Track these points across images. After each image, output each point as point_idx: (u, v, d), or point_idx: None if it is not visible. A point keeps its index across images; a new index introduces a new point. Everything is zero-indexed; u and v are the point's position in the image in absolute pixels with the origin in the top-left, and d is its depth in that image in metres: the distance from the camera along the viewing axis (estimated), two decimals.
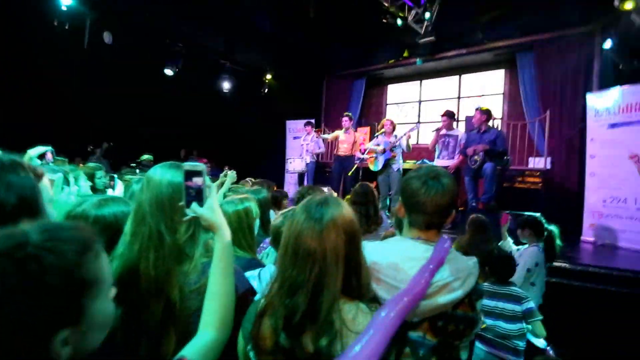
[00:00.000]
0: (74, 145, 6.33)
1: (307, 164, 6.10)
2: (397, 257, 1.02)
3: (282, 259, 0.86)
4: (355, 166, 5.53)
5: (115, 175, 1.94)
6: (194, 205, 0.85)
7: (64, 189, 1.22)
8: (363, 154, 5.46)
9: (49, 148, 1.30)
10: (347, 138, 5.80)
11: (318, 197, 0.90)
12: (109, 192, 1.89)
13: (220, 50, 6.83)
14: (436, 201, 1.01)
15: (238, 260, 1.49)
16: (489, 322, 2.14)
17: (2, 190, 0.71)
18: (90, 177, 2.65)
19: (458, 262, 1.01)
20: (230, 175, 2.21)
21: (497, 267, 2.17)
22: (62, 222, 0.80)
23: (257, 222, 1.62)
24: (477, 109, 4.43)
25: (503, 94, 7.00)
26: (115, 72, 6.21)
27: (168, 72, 6.19)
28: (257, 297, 1.01)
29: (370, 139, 6.44)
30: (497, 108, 6.92)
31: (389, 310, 0.82)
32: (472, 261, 1.04)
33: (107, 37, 5.44)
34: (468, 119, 6.04)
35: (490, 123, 4.56)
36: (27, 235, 0.48)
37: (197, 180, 0.85)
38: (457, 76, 7.52)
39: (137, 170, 4.45)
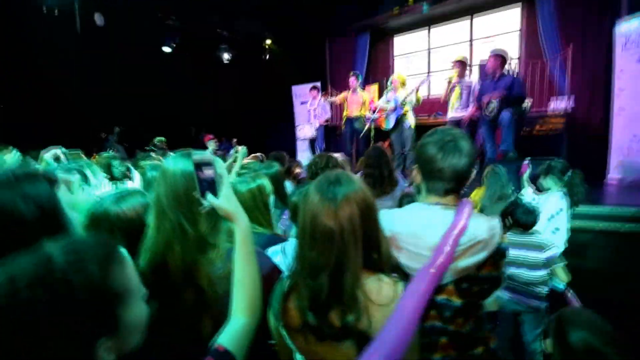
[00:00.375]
0: (85, 134, 6.42)
1: (316, 129, 6.00)
2: (417, 225, 1.01)
3: (301, 242, 0.86)
4: (367, 126, 5.40)
5: (131, 166, 1.95)
6: (209, 196, 0.84)
7: (83, 188, 1.24)
8: (373, 113, 5.31)
9: (59, 149, 1.29)
10: (356, 98, 5.62)
11: (330, 176, 0.88)
12: (128, 183, 1.92)
13: (217, 20, 6.52)
14: (454, 167, 0.97)
15: (258, 237, 1.52)
16: (512, 270, 2.17)
17: (20, 203, 0.72)
18: (107, 167, 2.69)
19: (480, 224, 0.99)
20: (242, 152, 2.19)
21: (519, 217, 2.14)
22: (84, 237, 0.81)
23: (272, 198, 1.63)
24: (490, 55, 4.14)
25: (520, 30, 6.46)
26: (112, 55, 6.09)
27: (166, 49, 6.01)
28: (283, 275, 1.04)
29: (380, 97, 6.22)
30: (514, 47, 6.43)
31: (417, 284, 0.83)
32: (494, 221, 1.02)
33: (98, 18, 5.26)
34: (482, 66, 5.68)
35: (506, 67, 4.27)
36: (52, 258, 0.49)
37: (208, 171, 0.83)
38: (469, 19, 6.95)
39: (152, 154, 4.51)
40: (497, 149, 4.19)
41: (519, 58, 6.32)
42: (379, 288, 0.83)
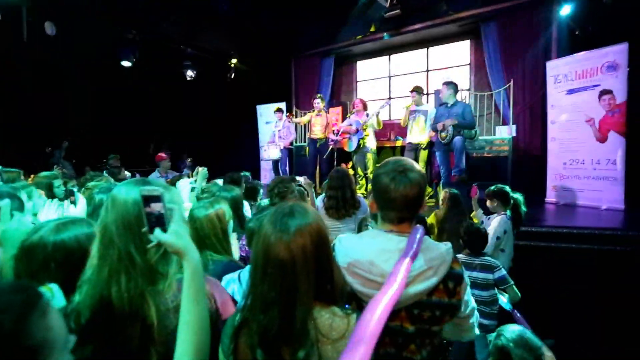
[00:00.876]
0: (28, 148, 5.89)
1: (281, 151, 6.02)
2: (372, 252, 1.04)
3: (253, 275, 0.85)
4: (330, 148, 5.52)
5: (75, 189, 1.80)
6: (157, 231, 0.80)
7: (13, 214, 1.12)
8: (336, 135, 5.46)
9: None
10: (320, 120, 5.75)
11: (284, 207, 0.89)
12: (71, 208, 1.76)
13: (180, 37, 6.43)
14: (406, 196, 1.02)
15: (215, 264, 1.48)
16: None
17: None
18: (48, 186, 2.46)
19: (431, 251, 1.03)
20: (202, 173, 2.14)
21: (471, 241, 2.29)
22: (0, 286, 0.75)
23: (231, 223, 1.60)
24: (443, 83, 4.49)
25: (469, 64, 7.11)
26: (64, 65, 5.72)
27: (125, 63, 5.77)
28: (237, 306, 1.01)
29: (343, 119, 6.42)
30: (464, 79, 7.05)
31: (370, 313, 0.84)
32: (445, 247, 1.07)
33: (49, 28, 4.96)
34: (437, 93, 6.13)
35: (457, 96, 4.65)
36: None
37: (155, 206, 0.81)
38: (425, 49, 7.53)
39: (105, 172, 4.21)
40: (450, 172, 4.47)
41: (468, 89, 6.91)
42: (331, 322, 0.83)
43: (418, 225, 1.10)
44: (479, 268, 2.27)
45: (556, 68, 4.88)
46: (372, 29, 7.23)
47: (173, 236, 0.80)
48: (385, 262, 1.01)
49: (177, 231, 0.81)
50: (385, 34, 7.03)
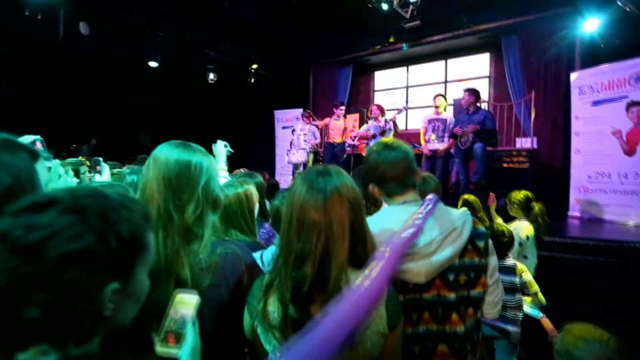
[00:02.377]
0: (54, 143, 6.09)
1: (307, 154, 6.04)
2: (388, 223, 1.03)
3: (287, 232, 0.83)
4: (347, 153, 5.52)
5: (101, 159, 1.85)
6: (166, 345, 0.65)
7: (60, 176, 1.16)
8: (354, 140, 5.46)
9: (38, 137, 1.21)
10: (338, 125, 5.78)
11: (317, 168, 0.88)
12: (97, 177, 1.81)
13: (204, 41, 6.64)
14: (395, 163, 1.06)
15: (231, 244, 1.47)
16: None
17: None
18: (75, 172, 2.54)
19: (448, 214, 1.03)
20: (222, 146, 1.99)
21: (496, 241, 2.21)
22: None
23: (257, 206, 1.60)
24: (465, 90, 4.46)
25: (489, 77, 7.07)
26: (95, 65, 5.96)
27: (152, 63, 5.97)
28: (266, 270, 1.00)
29: (360, 125, 6.43)
30: (483, 91, 6.98)
31: (377, 261, 0.79)
32: (460, 211, 1.07)
33: (83, 27, 5.20)
34: (456, 102, 6.09)
35: (478, 104, 4.61)
36: (108, 193, 0.54)
37: (184, 310, 0.69)
38: (443, 60, 7.54)
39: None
40: (470, 179, 4.40)
41: (487, 101, 6.85)
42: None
43: (430, 195, 1.09)
44: (503, 271, 2.18)
45: (581, 79, 4.80)
46: (392, 40, 7.30)
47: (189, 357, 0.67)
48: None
49: (193, 351, 0.68)
50: (404, 44, 7.09)
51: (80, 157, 4.70)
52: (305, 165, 6.03)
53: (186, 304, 0.70)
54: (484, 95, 6.90)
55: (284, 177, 7.27)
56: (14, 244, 0.43)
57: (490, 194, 3.35)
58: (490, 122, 4.19)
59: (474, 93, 4.36)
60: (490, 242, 1.06)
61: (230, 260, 0.92)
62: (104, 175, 1.82)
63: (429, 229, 0.97)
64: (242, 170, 3.24)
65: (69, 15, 5.00)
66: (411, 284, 0.97)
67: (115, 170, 2.45)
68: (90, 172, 1.92)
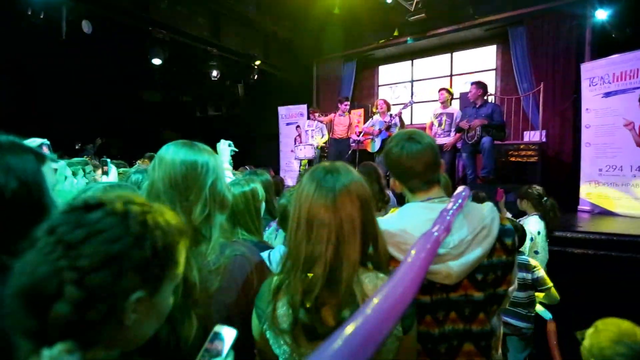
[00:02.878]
0: (59, 143, 6.13)
1: (315, 150, 6.02)
2: (416, 221, 0.98)
3: (295, 233, 0.79)
4: (352, 149, 5.48)
5: (108, 160, 1.84)
6: None
7: (67, 178, 1.14)
8: (359, 136, 5.41)
9: (45, 141, 1.20)
10: (343, 121, 5.73)
11: (324, 166, 0.84)
12: (104, 178, 1.80)
13: (206, 38, 6.60)
14: (419, 158, 1.00)
15: (239, 245, 1.45)
16: None
17: (0, 174, 0.64)
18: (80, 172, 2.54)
19: (477, 211, 0.99)
20: (226, 145, 1.96)
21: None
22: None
23: (263, 205, 1.57)
24: (472, 83, 4.38)
25: (495, 69, 6.94)
26: (98, 63, 5.96)
27: (156, 61, 5.94)
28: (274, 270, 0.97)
29: (365, 121, 6.37)
30: (490, 84, 6.86)
31: (416, 252, 0.76)
32: (487, 207, 1.02)
33: (86, 26, 5.18)
34: (463, 96, 6.00)
35: (485, 97, 4.53)
36: (152, 202, 0.57)
37: (218, 345, 0.68)
38: (449, 53, 7.42)
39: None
40: (477, 174, 4.33)
41: (494, 94, 6.74)
42: (375, 284, 0.78)
43: (460, 188, 1.04)
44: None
45: (591, 70, 4.69)
46: (396, 33, 7.19)
47: None
48: (420, 232, 0.95)
49: None
50: (408, 38, 6.99)
51: (85, 157, 4.72)
52: (312, 161, 6.01)
53: (223, 338, 0.69)
54: (491, 88, 6.79)
55: (289, 174, 7.24)
56: (59, 238, 0.47)
57: (499, 189, 3.29)
58: (498, 115, 4.11)
59: (481, 86, 4.28)
60: (515, 239, 1.03)
61: (239, 262, 0.90)
62: (111, 175, 1.82)
63: (458, 228, 0.93)
64: (246, 168, 3.21)
65: (71, 14, 4.97)
66: (438, 284, 0.94)
67: (121, 170, 2.44)
68: (94, 171, 1.91)
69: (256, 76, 7.46)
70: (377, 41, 7.44)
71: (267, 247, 1.52)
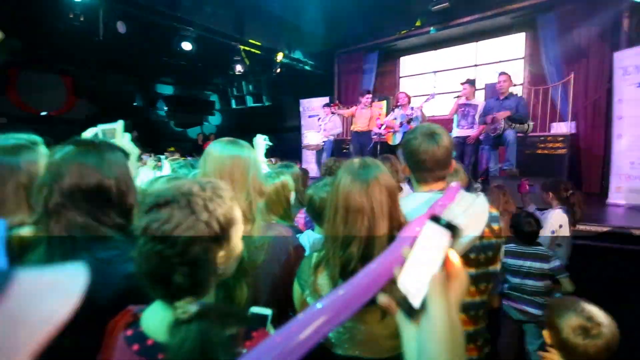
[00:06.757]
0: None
1: (324, 142, 6.12)
2: (414, 208, 1.10)
3: (334, 219, 0.94)
4: (374, 142, 5.53)
5: (162, 157, 2.06)
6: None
7: (138, 166, 1.34)
8: (380, 128, 5.46)
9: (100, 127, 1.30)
10: (364, 113, 5.78)
11: (355, 162, 0.99)
12: (157, 172, 2.02)
13: (230, 33, 6.81)
14: (434, 156, 1.12)
15: (278, 226, 1.62)
16: (516, 280, 2.23)
17: (104, 167, 0.81)
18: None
19: (468, 201, 1.09)
20: (261, 141, 2.11)
21: (522, 228, 2.22)
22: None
23: (294, 194, 1.73)
24: (501, 73, 4.32)
25: (523, 58, 6.73)
26: (132, 60, 6.29)
27: (186, 46, 6.23)
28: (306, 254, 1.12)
29: (387, 113, 6.40)
30: (517, 74, 6.68)
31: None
32: (479, 195, 1.11)
33: (121, 26, 5.50)
34: (488, 87, 5.90)
35: (510, 89, 4.46)
36: (203, 188, 0.69)
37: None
38: (474, 43, 7.25)
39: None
40: (500, 167, 4.30)
41: (522, 84, 6.55)
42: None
43: (453, 183, 1.15)
44: (532, 257, 2.20)
45: (625, 59, 4.49)
46: (418, 23, 7.10)
47: None
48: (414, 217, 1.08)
49: None
50: (431, 28, 6.88)
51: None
52: (322, 151, 6.10)
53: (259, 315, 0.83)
54: (518, 78, 6.60)
55: (310, 165, 7.39)
56: (155, 235, 0.62)
57: (523, 181, 3.29)
58: (523, 108, 4.06)
59: (509, 77, 4.22)
60: (500, 224, 1.19)
61: (279, 240, 1.06)
62: (165, 169, 2.03)
63: (454, 215, 1.05)
64: (272, 160, 3.38)
65: (106, 15, 5.30)
66: None
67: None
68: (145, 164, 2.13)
69: (279, 69, 7.61)
70: (399, 32, 7.37)
71: (298, 230, 1.68)
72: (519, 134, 4.28)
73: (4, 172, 0.90)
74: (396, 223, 0.95)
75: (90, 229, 0.77)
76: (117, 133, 1.13)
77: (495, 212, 1.17)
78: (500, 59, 6.95)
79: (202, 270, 0.65)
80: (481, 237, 1.10)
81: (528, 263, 2.20)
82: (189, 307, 0.61)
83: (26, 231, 0.85)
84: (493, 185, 3.05)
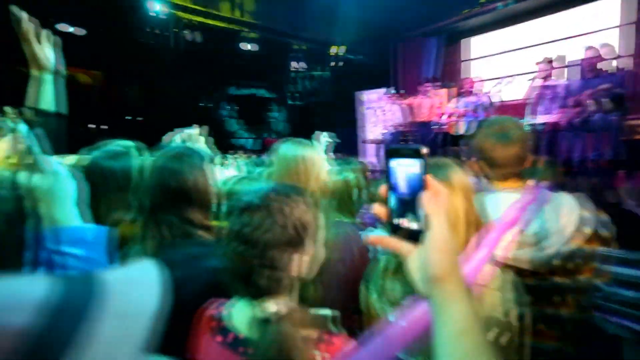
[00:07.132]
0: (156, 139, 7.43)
1: (383, 134, 5.99)
2: (495, 211, 1.02)
3: None
4: (435, 132, 5.25)
5: (228, 155, 2.22)
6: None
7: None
8: (441, 118, 5.15)
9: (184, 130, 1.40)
10: (424, 103, 5.51)
11: (433, 161, 0.93)
12: (225, 171, 2.18)
13: (288, 29, 7.01)
14: (506, 154, 1.04)
15: (343, 225, 1.62)
16: (622, 292, 1.93)
17: (187, 172, 0.90)
18: None
19: (556, 202, 1.02)
20: (325, 137, 2.12)
21: (625, 229, 1.91)
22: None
23: (356, 191, 1.71)
24: (588, 48, 3.75)
25: (619, 26, 5.72)
26: (201, 64, 6.88)
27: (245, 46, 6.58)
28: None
29: (448, 101, 6.00)
30: (610, 46, 5.70)
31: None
32: (571, 198, 1.04)
33: (189, 35, 6.01)
34: (571, 65, 5.17)
35: (599, 66, 3.84)
36: (282, 193, 0.72)
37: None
38: (553, 15, 6.36)
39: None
40: (588, 156, 3.76)
41: (617, 57, 5.58)
42: (485, 272, 0.84)
43: (531, 182, 1.10)
44: (636, 264, 1.88)
45: None
46: (483, 0, 6.48)
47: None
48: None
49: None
50: (499, 4, 6.22)
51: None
52: (380, 143, 5.94)
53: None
54: (611, 51, 5.64)
55: (370, 159, 7.29)
56: (238, 236, 0.68)
57: (620, 172, 2.85)
58: (618, 86, 3.46)
59: (596, 52, 3.64)
60: (605, 231, 1.04)
61: (344, 238, 1.06)
62: (231, 170, 2.18)
63: (537, 218, 0.98)
64: (333, 156, 3.39)
65: (176, 26, 5.85)
66: (516, 268, 0.99)
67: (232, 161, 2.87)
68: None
69: (335, 63, 7.60)
70: (461, 11, 6.81)
71: (363, 227, 1.67)
72: (612, 118, 3.68)
73: (107, 175, 1.04)
74: (473, 225, 0.88)
75: (178, 227, 0.85)
76: (195, 137, 1.23)
77: (605, 217, 1.04)
78: (589, 30, 5.98)
79: (283, 273, 0.68)
80: (569, 243, 0.98)
81: (634, 272, 1.89)
82: (269, 306, 0.64)
83: (124, 228, 0.98)
84: (580, 182, 2.69)
